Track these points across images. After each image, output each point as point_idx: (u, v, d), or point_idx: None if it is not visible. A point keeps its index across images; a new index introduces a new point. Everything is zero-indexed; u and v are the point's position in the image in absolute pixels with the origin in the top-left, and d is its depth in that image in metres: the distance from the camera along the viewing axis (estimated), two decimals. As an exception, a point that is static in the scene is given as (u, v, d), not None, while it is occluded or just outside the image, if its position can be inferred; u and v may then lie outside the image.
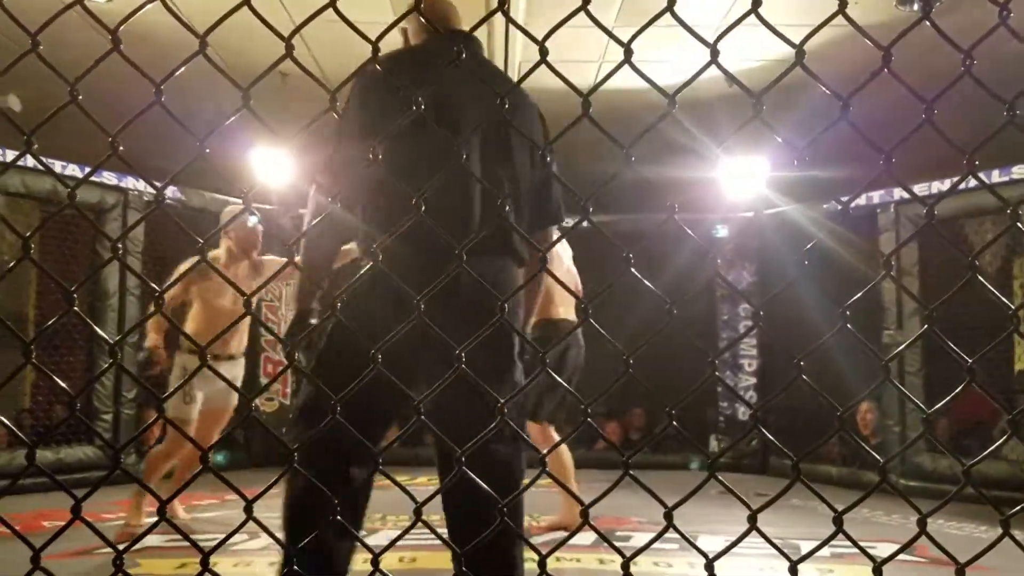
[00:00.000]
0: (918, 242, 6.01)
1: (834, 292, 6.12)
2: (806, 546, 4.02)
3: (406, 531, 0.95)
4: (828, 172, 6.62)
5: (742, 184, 7.41)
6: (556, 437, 4.15)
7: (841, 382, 5.96)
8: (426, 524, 0.91)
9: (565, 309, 4.21)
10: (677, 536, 0.97)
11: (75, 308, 0.79)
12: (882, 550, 3.92)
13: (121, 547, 0.96)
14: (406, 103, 1.14)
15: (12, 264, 0.94)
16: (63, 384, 1.22)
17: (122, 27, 1.03)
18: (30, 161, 5.00)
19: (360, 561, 3.70)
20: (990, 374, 6.03)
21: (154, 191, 0.96)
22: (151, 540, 3.44)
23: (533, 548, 0.93)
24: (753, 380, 7.53)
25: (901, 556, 0.97)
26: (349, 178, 1.92)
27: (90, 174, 0.92)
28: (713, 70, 0.96)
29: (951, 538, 4.16)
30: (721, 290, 7.63)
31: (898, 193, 6.28)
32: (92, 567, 3.48)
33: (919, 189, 6.15)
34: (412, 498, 0.91)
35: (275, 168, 7.21)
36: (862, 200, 6.46)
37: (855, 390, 5.99)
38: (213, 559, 1.06)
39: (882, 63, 0.82)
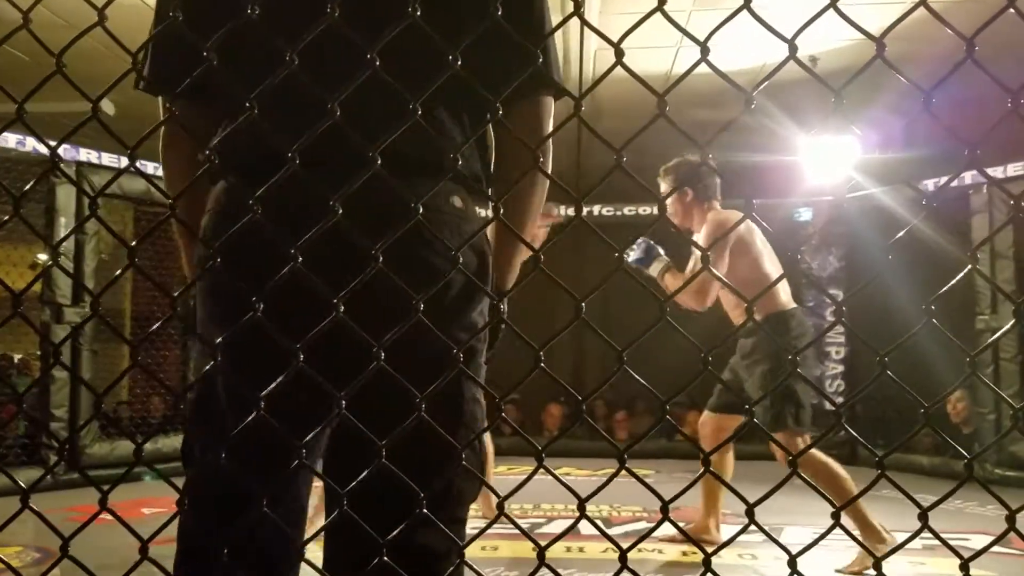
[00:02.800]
0: (1014, 223, 5.78)
1: (924, 276, 5.93)
2: (898, 536, 3.93)
3: (489, 525, 0.97)
4: (920, 152, 6.43)
5: (828, 167, 7.24)
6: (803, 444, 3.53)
7: (932, 369, 5.78)
8: (508, 518, 0.93)
9: (788, 296, 3.69)
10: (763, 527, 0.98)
11: (177, 309, 0.84)
12: (976, 542, 3.80)
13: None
14: None
15: (119, 272, 1.00)
16: (163, 382, 1.28)
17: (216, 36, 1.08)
18: (123, 162, 5.23)
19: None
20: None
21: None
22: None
23: (613, 541, 0.95)
24: (841, 368, 7.35)
25: (997, 548, 0.96)
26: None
27: (186, 189, 0.97)
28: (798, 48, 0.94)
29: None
30: (807, 276, 7.49)
31: (991, 172, 6.05)
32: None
33: (1016, 168, 5.93)
34: (495, 493, 0.93)
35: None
36: (954, 180, 6.24)
37: (946, 376, 5.81)
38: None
39: (965, 54, 0.81)
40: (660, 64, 6.53)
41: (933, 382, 5.84)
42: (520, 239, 1.06)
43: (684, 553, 3.67)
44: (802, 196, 7.59)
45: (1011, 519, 0.80)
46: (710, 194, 3.69)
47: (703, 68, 0.93)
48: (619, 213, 7.62)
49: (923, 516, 0.85)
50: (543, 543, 0.90)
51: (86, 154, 5.75)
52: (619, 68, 0.95)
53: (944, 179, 6.24)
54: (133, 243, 0.89)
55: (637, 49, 6.17)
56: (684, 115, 0.94)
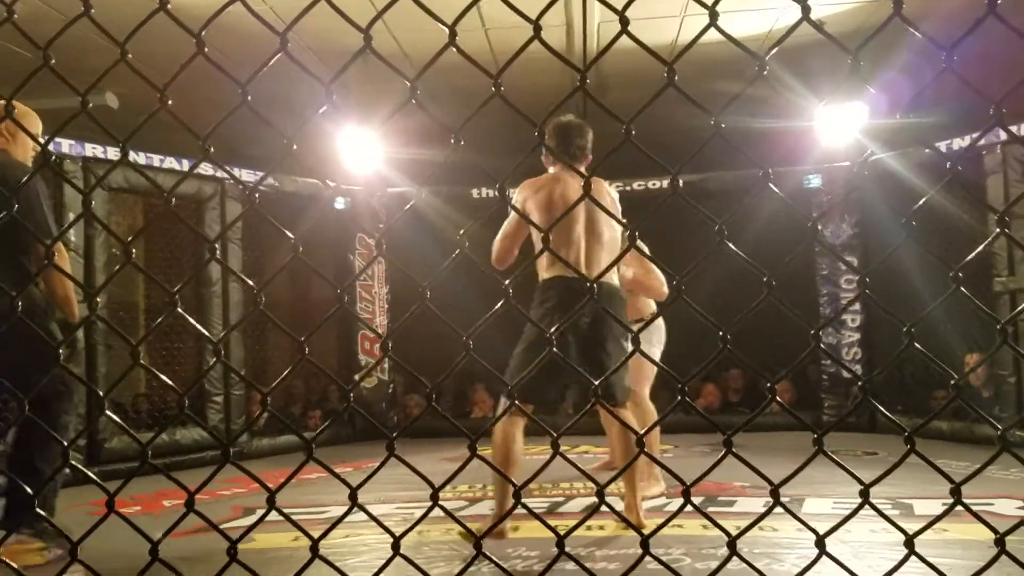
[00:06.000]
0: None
1: (939, 240, 5.87)
2: (919, 504, 3.89)
3: (507, 513, 0.95)
4: (930, 116, 6.34)
5: (838, 132, 7.15)
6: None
7: (943, 328, 5.75)
8: (527, 508, 0.91)
9: (560, 267, 3.43)
10: (784, 499, 0.95)
11: (179, 309, 0.82)
12: (1000, 507, 3.69)
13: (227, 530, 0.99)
14: None
15: (117, 268, 0.98)
16: (173, 384, 1.27)
17: (207, 22, 1.05)
18: (131, 156, 5.23)
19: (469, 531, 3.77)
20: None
21: (249, 185, 0.97)
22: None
23: (634, 527, 0.92)
24: (857, 336, 7.29)
25: (1019, 511, 0.93)
26: None
27: (182, 180, 0.94)
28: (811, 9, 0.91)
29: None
30: (820, 244, 7.40)
31: (1005, 132, 5.96)
32: (208, 545, 3.62)
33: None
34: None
35: (362, 149, 7.31)
36: (966, 142, 6.16)
37: (958, 334, 5.78)
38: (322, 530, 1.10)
39: (987, 8, 0.77)
40: (664, 35, 6.44)
41: (945, 340, 5.80)
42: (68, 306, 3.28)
43: (705, 527, 3.65)
44: (812, 163, 7.51)
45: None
46: (550, 157, 3.71)
47: (709, 38, 0.90)
48: (627, 188, 7.44)
49: (956, 491, 0.82)
50: (562, 524, 0.88)
51: (91, 149, 5.71)
52: (624, 39, 0.92)
53: (954, 140, 6.16)
54: (129, 239, 0.87)
55: (640, 20, 6.08)
56: (691, 87, 0.91)
